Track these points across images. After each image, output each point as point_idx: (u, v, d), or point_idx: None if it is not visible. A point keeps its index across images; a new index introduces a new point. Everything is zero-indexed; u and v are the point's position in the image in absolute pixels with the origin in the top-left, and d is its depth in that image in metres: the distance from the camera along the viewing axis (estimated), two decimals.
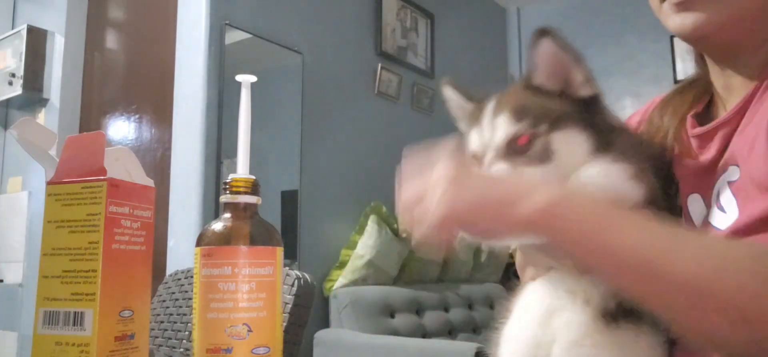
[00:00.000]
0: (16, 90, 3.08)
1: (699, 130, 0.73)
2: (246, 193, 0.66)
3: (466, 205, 0.59)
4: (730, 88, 0.73)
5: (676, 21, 0.69)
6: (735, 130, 0.68)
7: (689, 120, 0.75)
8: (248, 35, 2.65)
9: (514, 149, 0.67)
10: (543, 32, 0.68)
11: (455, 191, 0.58)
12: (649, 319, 0.66)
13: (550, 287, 0.71)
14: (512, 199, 0.57)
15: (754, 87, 0.67)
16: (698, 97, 0.78)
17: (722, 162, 0.69)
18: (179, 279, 1.47)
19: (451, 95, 0.81)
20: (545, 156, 0.66)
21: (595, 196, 0.61)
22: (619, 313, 0.66)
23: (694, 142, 0.73)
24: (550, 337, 0.69)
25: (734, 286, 0.53)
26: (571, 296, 0.69)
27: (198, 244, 0.65)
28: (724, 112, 0.73)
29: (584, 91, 0.70)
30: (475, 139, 0.72)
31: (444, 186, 0.58)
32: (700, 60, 0.79)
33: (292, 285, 1.18)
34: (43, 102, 3.15)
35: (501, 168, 0.67)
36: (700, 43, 0.74)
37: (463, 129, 0.82)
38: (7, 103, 3.24)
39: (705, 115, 0.76)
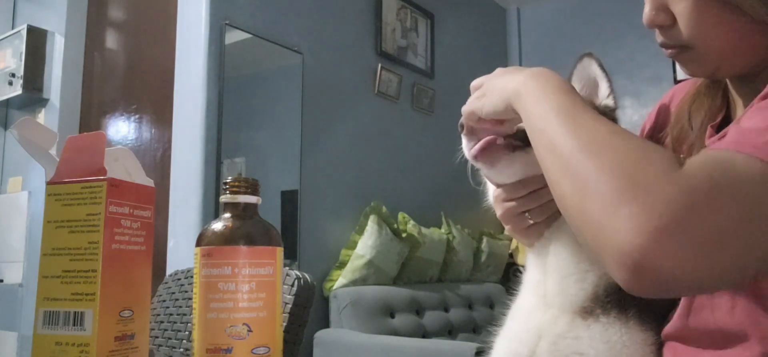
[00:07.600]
0: (16, 90, 3.08)
1: (712, 140, 0.72)
2: (246, 193, 0.66)
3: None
4: (740, 92, 0.73)
5: (678, 62, 0.73)
6: None
7: (709, 130, 0.74)
8: (248, 35, 2.65)
9: None
10: (586, 54, 0.84)
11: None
12: (635, 316, 0.68)
13: (534, 289, 0.77)
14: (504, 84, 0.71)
15: (755, 102, 0.67)
16: (726, 100, 0.77)
17: None
18: (179, 279, 1.47)
19: None
20: None
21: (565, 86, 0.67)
22: (598, 309, 0.70)
23: None
24: (535, 333, 0.72)
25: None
26: (551, 296, 0.74)
27: (198, 244, 0.65)
28: (736, 114, 0.73)
29: (607, 102, 0.81)
30: None
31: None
32: None
33: (292, 285, 1.18)
34: (43, 102, 3.15)
35: None
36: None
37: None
38: (7, 103, 3.23)
39: (725, 120, 0.75)
